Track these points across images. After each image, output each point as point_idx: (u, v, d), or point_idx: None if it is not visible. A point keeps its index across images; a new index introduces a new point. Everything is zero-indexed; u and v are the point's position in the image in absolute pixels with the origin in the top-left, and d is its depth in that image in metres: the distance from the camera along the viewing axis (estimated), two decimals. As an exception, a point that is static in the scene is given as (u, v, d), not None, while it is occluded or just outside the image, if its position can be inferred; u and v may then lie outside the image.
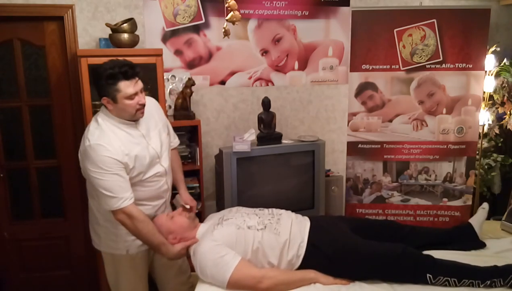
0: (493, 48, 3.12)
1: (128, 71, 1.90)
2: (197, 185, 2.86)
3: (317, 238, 2.07)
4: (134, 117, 1.99)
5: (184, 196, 2.33)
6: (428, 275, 1.95)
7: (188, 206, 2.27)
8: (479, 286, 1.95)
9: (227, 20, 1.86)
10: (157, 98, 2.45)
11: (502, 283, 1.94)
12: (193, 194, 2.61)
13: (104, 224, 2.08)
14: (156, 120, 2.15)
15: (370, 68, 2.80)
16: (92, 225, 2.20)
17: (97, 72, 1.92)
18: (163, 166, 2.12)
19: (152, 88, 2.58)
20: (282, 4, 3.14)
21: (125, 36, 2.58)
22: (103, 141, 1.90)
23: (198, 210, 2.38)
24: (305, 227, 2.12)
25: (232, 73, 3.16)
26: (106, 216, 2.03)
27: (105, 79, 1.88)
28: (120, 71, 1.88)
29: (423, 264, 1.99)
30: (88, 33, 2.82)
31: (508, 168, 3.50)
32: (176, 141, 2.39)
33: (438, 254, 2.10)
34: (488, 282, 1.94)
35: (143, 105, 1.99)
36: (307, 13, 3.20)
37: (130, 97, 1.92)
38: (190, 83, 2.84)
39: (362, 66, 2.80)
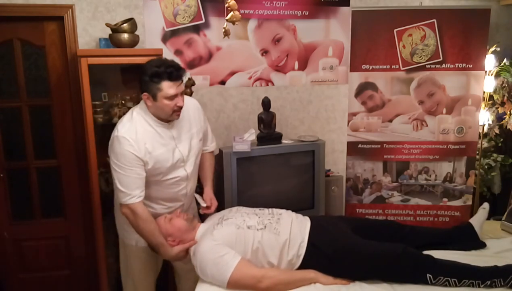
0: (493, 48, 3.12)
1: (173, 72, 1.93)
2: (197, 185, 2.85)
3: (317, 238, 2.07)
4: (169, 117, 2.03)
5: (207, 194, 2.34)
6: (428, 275, 1.96)
7: (205, 204, 2.27)
8: (479, 286, 1.95)
9: (227, 20, 1.87)
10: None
11: (502, 283, 1.94)
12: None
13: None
14: (191, 123, 2.16)
15: (370, 68, 2.80)
16: (116, 209, 2.26)
17: (143, 68, 1.96)
18: (186, 170, 2.14)
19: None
20: (282, 4, 3.13)
21: (125, 36, 2.58)
22: (130, 135, 1.95)
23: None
24: (306, 226, 2.13)
25: (232, 73, 3.16)
26: None
27: (150, 76, 1.92)
28: (165, 71, 1.92)
29: (423, 264, 1.99)
30: (88, 33, 2.82)
31: (508, 168, 3.50)
32: (212, 145, 2.41)
33: (438, 254, 2.10)
34: (488, 282, 1.94)
35: (180, 108, 2.02)
36: (307, 13, 3.19)
37: (170, 98, 1.95)
38: (190, 83, 2.84)
39: (362, 66, 2.80)
